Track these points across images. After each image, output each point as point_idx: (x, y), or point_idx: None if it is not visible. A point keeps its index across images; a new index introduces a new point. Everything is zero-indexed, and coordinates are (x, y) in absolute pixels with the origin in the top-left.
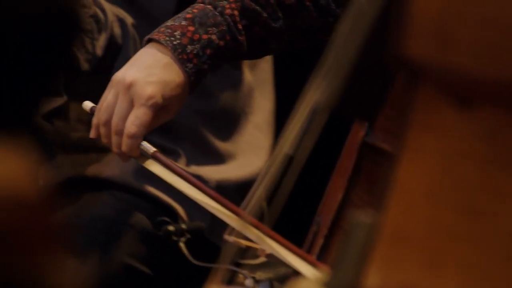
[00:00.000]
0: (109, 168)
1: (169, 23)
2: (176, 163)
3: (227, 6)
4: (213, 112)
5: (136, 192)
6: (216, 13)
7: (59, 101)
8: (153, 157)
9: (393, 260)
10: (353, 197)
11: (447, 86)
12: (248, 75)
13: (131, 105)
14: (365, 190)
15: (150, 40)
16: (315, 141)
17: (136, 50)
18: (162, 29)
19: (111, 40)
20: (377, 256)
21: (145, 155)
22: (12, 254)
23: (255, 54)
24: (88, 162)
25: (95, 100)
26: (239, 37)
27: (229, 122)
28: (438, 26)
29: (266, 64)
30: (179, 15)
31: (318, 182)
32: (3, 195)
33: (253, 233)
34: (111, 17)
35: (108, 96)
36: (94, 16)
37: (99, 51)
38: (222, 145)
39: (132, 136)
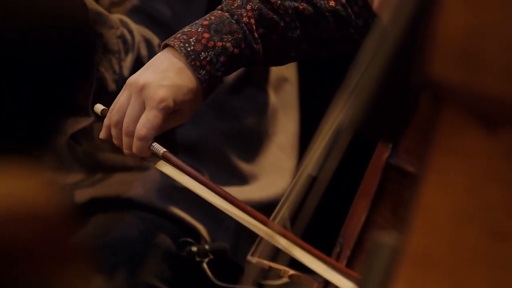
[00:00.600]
0: (133, 188)
1: (186, 29)
2: (187, 165)
3: (244, 14)
4: (237, 133)
5: (160, 213)
6: (233, 20)
7: (86, 121)
8: (163, 157)
9: (417, 282)
10: (377, 218)
11: (472, 108)
12: (273, 97)
13: (142, 107)
14: (389, 211)
15: (166, 45)
16: (338, 162)
17: None
18: (179, 35)
19: (138, 61)
20: (401, 277)
21: (156, 156)
22: (32, 272)
23: (274, 62)
24: (112, 182)
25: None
26: (255, 46)
27: (253, 143)
28: (463, 49)
29: (290, 87)
30: (197, 21)
31: (341, 203)
32: (24, 214)
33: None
34: (138, 37)
35: (121, 97)
36: (121, 37)
37: (126, 71)
38: (246, 166)
39: (142, 138)
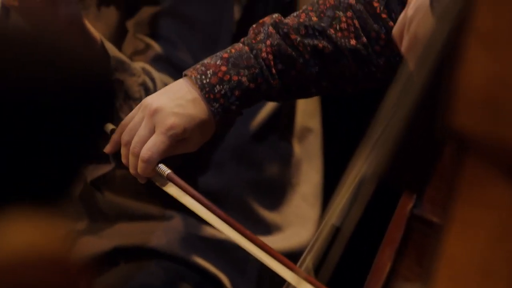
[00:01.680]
0: (155, 237)
1: (206, 60)
2: (191, 187)
3: (264, 49)
4: (261, 183)
5: (182, 262)
6: (251, 55)
7: (107, 168)
8: (169, 179)
9: None
10: (401, 269)
11: (497, 159)
12: (296, 147)
13: (152, 131)
14: (414, 261)
15: (185, 75)
16: (362, 212)
17: None
18: (198, 65)
19: None
20: None
21: (162, 177)
22: None
23: (295, 97)
24: (135, 231)
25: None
26: (272, 81)
27: (277, 193)
28: (487, 99)
29: (314, 137)
30: (219, 53)
31: (366, 254)
32: (43, 263)
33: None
34: (160, 85)
35: (134, 118)
36: (143, 85)
37: None
38: (269, 216)
39: (146, 161)
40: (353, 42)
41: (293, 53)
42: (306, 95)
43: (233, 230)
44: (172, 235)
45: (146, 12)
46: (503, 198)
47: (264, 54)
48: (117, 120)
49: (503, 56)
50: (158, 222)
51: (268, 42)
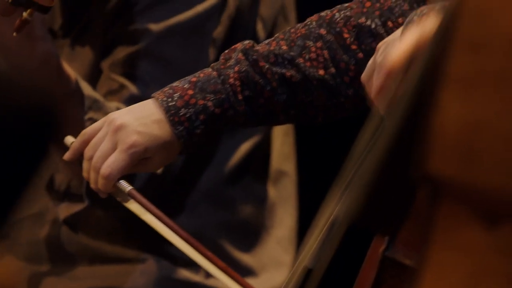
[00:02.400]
0: (130, 279)
1: (175, 83)
2: (153, 204)
3: (232, 75)
4: (235, 225)
5: None
6: (219, 80)
7: (80, 206)
8: (130, 195)
9: None
10: None
11: (471, 203)
12: (271, 191)
13: (115, 147)
14: None
15: (153, 96)
16: (333, 254)
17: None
18: (166, 88)
19: None
20: None
21: (123, 194)
22: None
23: (264, 124)
24: (109, 273)
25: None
26: (238, 107)
27: (251, 236)
28: (460, 143)
29: (289, 181)
30: (188, 77)
31: None
32: None
33: None
34: None
35: (98, 133)
36: None
37: None
38: (243, 258)
39: (105, 177)
40: (321, 72)
41: (261, 80)
42: (275, 122)
43: (194, 250)
44: (147, 278)
45: (121, 52)
46: (477, 242)
47: (231, 80)
48: None
49: (477, 102)
50: (133, 264)
51: (236, 68)
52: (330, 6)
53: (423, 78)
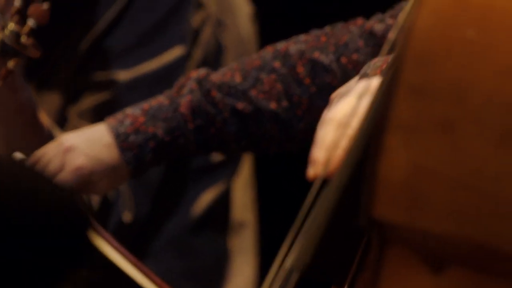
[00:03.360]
0: None
1: (129, 110)
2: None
3: (183, 103)
4: (196, 273)
5: None
6: (170, 108)
7: None
8: None
9: None
10: None
11: (418, 248)
12: (231, 241)
13: (61, 168)
14: None
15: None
16: None
17: (128, 207)
18: (119, 114)
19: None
20: None
21: None
22: None
23: (214, 152)
24: None
25: None
26: (189, 136)
27: (211, 285)
28: (406, 190)
29: (249, 232)
30: (141, 103)
31: None
32: None
33: None
34: None
35: (48, 152)
36: None
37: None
38: None
39: None
40: (274, 105)
41: (213, 110)
42: (226, 151)
43: (145, 277)
44: None
45: (89, 100)
46: (424, 285)
47: (183, 109)
48: None
49: (421, 148)
50: None
51: (188, 98)
52: None
53: (371, 124)
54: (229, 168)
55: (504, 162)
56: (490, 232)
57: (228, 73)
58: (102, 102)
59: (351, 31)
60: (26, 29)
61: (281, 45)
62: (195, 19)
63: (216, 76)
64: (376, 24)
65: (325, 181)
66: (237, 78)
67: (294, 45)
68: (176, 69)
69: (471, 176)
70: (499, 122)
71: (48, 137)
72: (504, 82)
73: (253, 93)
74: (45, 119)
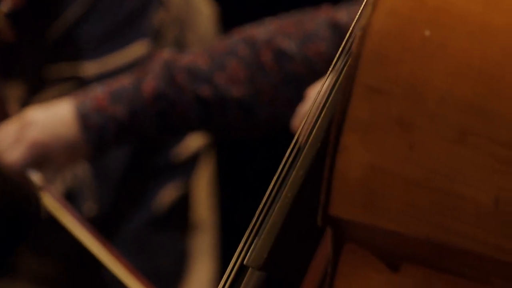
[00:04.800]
0: None
1: (93, 89)
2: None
3: (146, 87)
4: (155, 273)
5: None
6: (133, 91)
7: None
8: (42, 189)
9: None
10: None
11: (374, 246)
12: (190, 241)
13: (18, 141)
14: None
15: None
16: None
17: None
18: (84, 93)
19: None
20: None
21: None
22: None
23: (176, 135)
24: None
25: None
26: (150, 120)
27: (170, 284)
28: (363, 187)
29: (209, 232)
30: (105, 84)
31: None
32: None
33: None
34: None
35: (9, 125)
36: None
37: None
38: None
39: (7, 167)
40: (237, 91)
41: (176, 96)
42: (187, 134)
43: (103, 249)
44: None
45: (53, 93)
46: (377, 284)
47: (145, 93)
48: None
49: (378, 147)
50: None
51: (152, 81)
52: None
53: (330, 121)
54: (190, 167)
55: (458, 160)
56: (445, 230)
57: (195, 56)
58: (67, 96)
59: (319, 20)
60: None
61: (249, 31)
62: (158, 18)
63: (183, 60)
64: (343, 14)
65: (283, 180)
66: (203, 62)
67: (261, 30)
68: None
69: (427, 175)
70: (455, 121)
71: None
72: (457, 81)
73: (217, 78)
74: (13, 113)
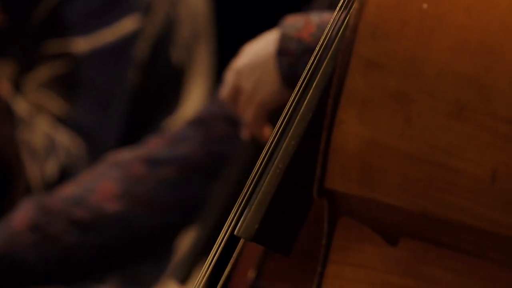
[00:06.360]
0: None
1: None
2: None
3: (17, 222)
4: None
5: None
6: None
7: None
8: None
9: None
10: None
11: (369, 220)
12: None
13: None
14: None
15: None
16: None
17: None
18: None
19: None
20: None
21: None
22: None
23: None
24: None
25: None
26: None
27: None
28: (359, 161)
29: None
30: None
31: None
32: None
33: None
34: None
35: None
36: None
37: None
38: None
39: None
40: (112, 206)
41: (49, 219)
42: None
43: None
44: None
45: (46, 70)
46: (375, 258)
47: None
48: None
49: (374, 120)
50: None
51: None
52: (247, 24)
53: (325, 93)
54: None
55: (455, 134)
56: (441, 205)
57: (65, 188)
58: (59, 74)
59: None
60: None
61: (114, 156)
62: None
63: (54, 195)
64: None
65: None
66: (73, 190)
67: (126, 153)
68: (129, 43)
69: (424, 149)
70: (452, 96)
71: (5, 106)
72: (456, 55)
73: (91, 199)
74: (5, 88)
